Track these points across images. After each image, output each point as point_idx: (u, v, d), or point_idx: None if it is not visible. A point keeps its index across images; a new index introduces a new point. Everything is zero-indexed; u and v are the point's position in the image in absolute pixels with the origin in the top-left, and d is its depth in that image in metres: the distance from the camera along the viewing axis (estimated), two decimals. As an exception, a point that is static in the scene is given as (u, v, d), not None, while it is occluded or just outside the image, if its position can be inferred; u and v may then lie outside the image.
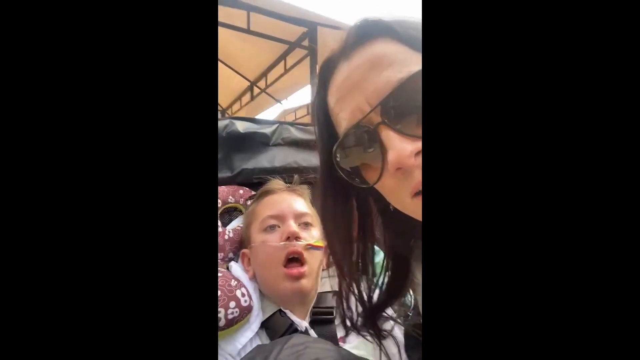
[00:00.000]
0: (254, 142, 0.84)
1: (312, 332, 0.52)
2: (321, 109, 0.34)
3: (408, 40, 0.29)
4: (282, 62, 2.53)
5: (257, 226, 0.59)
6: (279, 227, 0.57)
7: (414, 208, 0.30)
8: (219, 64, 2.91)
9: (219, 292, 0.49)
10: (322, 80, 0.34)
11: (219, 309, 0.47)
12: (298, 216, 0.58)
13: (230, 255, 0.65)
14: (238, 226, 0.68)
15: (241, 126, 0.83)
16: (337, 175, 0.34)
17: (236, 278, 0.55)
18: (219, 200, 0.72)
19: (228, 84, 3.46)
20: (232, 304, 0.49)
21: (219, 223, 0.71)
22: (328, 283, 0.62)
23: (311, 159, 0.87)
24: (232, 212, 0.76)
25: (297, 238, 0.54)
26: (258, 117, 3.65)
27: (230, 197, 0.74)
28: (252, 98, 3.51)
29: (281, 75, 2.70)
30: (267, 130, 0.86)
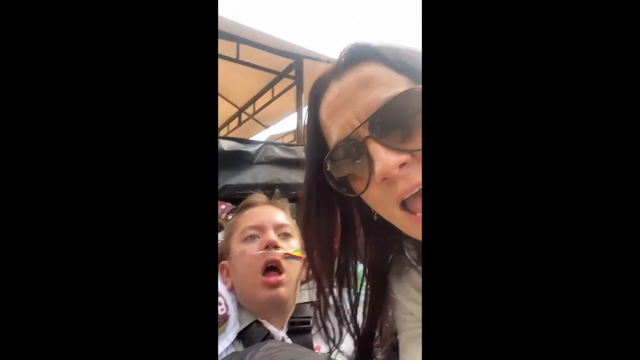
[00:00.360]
0: (238, 160, 0.87)
1: (288, 341, 0.53)
2: (312, 123, 0.37)
3: (394, 64, 0.32)
4: (270, 91, 2.66)
5: (237, 237, 0.61)
6: (259, 237, 0.59)
7: (400, 217, 0.31)
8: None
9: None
10: (314, 98, 0.36)
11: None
12: (277, 227, 0.61)
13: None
14: (219, 240, 0.69)
15: (226, 145, 0.87)
16: (323, 187, 0.35)
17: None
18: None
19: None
20: (209, 311, 0.49)
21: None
22: (307, 295, 0.63)
23: (293, 177, 0.91)
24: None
25: (276, 247, 0.56)
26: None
27: (213, 211, 0.76)
28: (240, 124, 3.59)
29: (268, 103, 2.81)
30: (252, 149, 0.90)
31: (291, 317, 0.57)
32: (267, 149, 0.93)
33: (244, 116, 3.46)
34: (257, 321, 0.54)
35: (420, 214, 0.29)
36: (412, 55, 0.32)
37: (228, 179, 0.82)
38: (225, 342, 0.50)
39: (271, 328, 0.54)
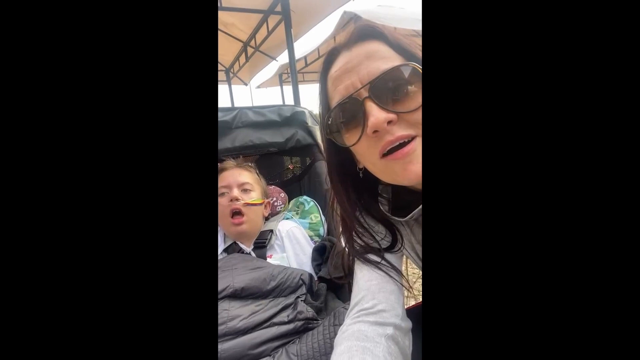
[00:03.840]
0: (220, 128, 1.11)
1: (252, 253, 0.87)
2: (322, 86, 0.44)
3: (394, 45, 0.40)
4: (265, 25, 2.60)
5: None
6: (227, 193, 0.89)
7: (380, 167, 0.39)
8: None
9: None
10: (327, 63, 0.43)
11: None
12: (240, 185, 0.90)
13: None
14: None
15: (207, 118, 1.10)
16: (332, 143, 0.43)
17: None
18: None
19: (226, 45, 3.54)
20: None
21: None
22: (269, 225, 0.95)
23: (263, 137, 1.14)
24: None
25: (237, 200, 0.86)
26: (257, 76, 3.75)
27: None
28: (247, 59, 3.61)
29: (266, 37, 2.78)
30: (229, 116, 1.13)
31: (256, 239, 0.91)
32: (242, 114, 1.14)
33: (250, 51, 3.46)
34: (234, 242, 0.89)
35: (395, 154, 0.36)
36: (407, 40, 0.40)
37: (213, 146, 1.09)
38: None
39: (242, 246, 0.88)
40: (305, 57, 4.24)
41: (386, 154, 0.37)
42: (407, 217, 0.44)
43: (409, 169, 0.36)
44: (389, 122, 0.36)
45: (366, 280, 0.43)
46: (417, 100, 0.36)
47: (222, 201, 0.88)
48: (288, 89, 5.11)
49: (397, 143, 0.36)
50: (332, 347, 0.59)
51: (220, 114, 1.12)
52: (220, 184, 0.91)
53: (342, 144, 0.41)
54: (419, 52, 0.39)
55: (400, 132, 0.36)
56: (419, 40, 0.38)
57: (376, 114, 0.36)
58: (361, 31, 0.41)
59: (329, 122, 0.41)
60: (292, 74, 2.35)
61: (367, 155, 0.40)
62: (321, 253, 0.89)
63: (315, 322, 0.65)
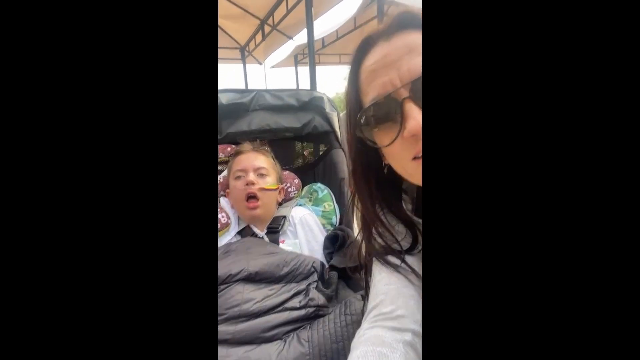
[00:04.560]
0: (236, 110, 1.10)
1: (265, 237, 0.89)
2: (353, 79, 0.40)
3: None
4: (284, 3, 2.52)
5: (231, 175, 0.92)
6: (244, 176, 0.89)
7: (411, 170, 0.37)
8: (229, 5, 2.93)
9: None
10: (359, 54, 0.39)
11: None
12: (256, 169, 0.89)
13: (222, 193, 1.00)
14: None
15: (224, 98, 1.09)
16: (359, 139, 0.40)
17: (220, 207, 0.90)
18: (213, 156, 1.05)
19: (242, 22, 3.46)
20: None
21: (214, 172, 1.05)
22: (282, 211, 0.96)
23: (280, 121, 1.12)
24: (223, 164, 1.09)
25: (253, 184, 0.87)
26: (272, 55, 3.68)
27: (221, 153, 1.06)
28: (264, 37, 3.53)
29: (285, 15, 2.70)
30: (246, 99, 1.11)
31: (269, 224, 0.92)
32: (259, 96, 1.13)
33: (266, 29, 3.37)
34: (248, 226, 0.90)
35: None
36: None
37: (229, 127, 1.08)
38: (229, 236, 0.88)
39: (256, 230, 0.89)
40: (322, 39, 4.12)
41: (419, 157, 0.35)
42: None
43: None
44: None
45: (385, 284, 0.43)
46: None
47: (238, 184, 0.88)
48: (302, 70, 5.01)
49: None
50: (342, 336, 0.60)
51: (237, 96, 1.11)
52: (236, 167, 0.91)
53: (373, 144, 0.39)
54: None
55: None
56: None
57: (417, 117, 0.33)
58: (401, 19, 0.37)
59: (362, 120, 0.38)
60: (310, 56, 2.29)
61: (399, 158, 0.38)
62: (333, 242, 0.89)
63: (325, 309, 0.66)
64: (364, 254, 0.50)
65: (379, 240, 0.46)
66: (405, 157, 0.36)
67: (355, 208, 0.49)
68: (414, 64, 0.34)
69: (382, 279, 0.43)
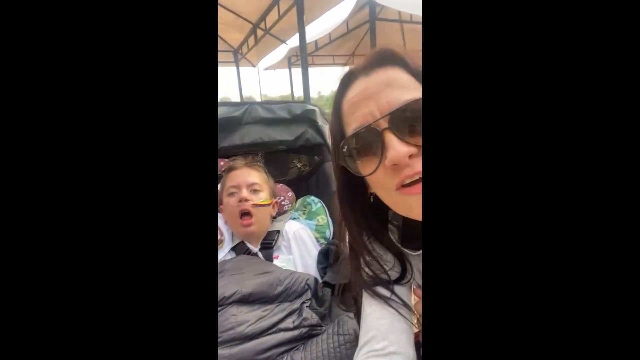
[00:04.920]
0: (229, 124, 1.10)
1: (259, 254, 0.89)
2: (336, 110, 0.42)
3: (415, 73, 0.38)
4: (276, 8, 2.52)
5: (225, 192, 0.92)
6: (237, 193, 0.89)
7: (395, 199, 0.38)
8: (221, 10, 2.92)
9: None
10: (342, 86, 0.42)
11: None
12: (249, 185, 0.90)
13: (215, 208, 1.01)
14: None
15: (218, 112, 1.09)
16: (341, 167, 0.41)
17: (214, 224, 0.91)
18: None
19: (235, 26, 3.45)
20: (209, 239, 0.86)
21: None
22: (276, 225, 0.97)
23: (272, 134, 1.13)
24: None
25: (246, 200, 0.87)
26: (265, 58, 3.67)
27: (214, 168, 1.07)
28: (256, 41, 3.52)
29: (277, 20, 2.70)
30: (239, 112, 1.11)
31: (263, 240, 0.93)
32: (252, 109, 1.13)
33: (259, 33, 3.37)
34: (242, 242, 0.91)
35: (413, 188, 0.35)
36: None
37: (222, 142, 1.09)
38: (222, 252, 0.88)
39: (250, 246, 0.90)
40: (315, 41, 4.13)
41: (403, 187, 0.37)
42: (420, 252, 0.44)
43: None
44: (410, 156, 0.35)
45: (376, 318, 0.43)
46: None
47: (231, 201, 0.89)
48: (296, 72, 5.01)
49: (416, 177, 0.36)
50: (335, 356, 0.61)
51: (229, 109, 1.11)
52: (229, 183, 0.92)
53: (357, 173, 0.40)
54: None
55: (420, 166, 0.35)
56: None
57: (397, 147, 0.35)
58: (380, 56, 0.40)
59: (344, 149, 0.40)
60: (302, 60, 2.29)
61: (383, 186, 0.39)
62: (327, 256, 0.90)
63: (319, 328, 0.67)
64: (355, 289, 0.49)
65: (367, 270, 0.46)
66: (388, 186, 0.38)
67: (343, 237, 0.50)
68: (393, 97, 0.36)
69: (373, 312, 0.44)
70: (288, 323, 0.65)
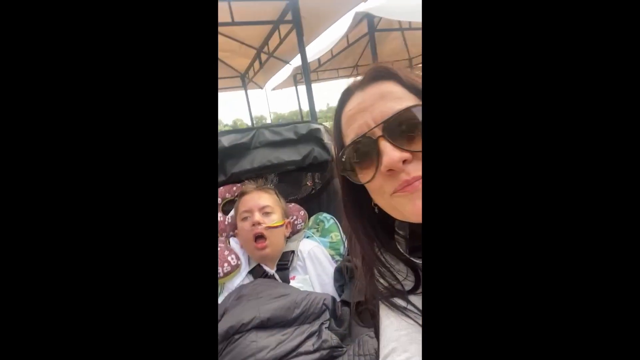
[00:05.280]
0: (238, 150, 1.14)
1: (276, 275, 0.90)
2: (337, 124, 0.45)
3: (407, 85, 0.41)
4: (277, 33, 2.62)
5: (238, 217, 0.95)
6: (250, 217, 0.91)
7: (390, 203, 0.39)
8: (225, 39, 3.08)
9: (219, 257, 0.88)
10: (341, 102, 0.45)
11: (219, 267, 0.87)
12: (261, 208, 0.92)
13: (231, 233, 1.03)
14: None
15: (226, 141, 1.14)
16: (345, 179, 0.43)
17: (230, 249, 0.93)
18: (219, 198, 1.08)
19: (240, 53, 3.60)
20: (225, 264, 0.88)
21: (221, 212, 1.08)
22: (290, 245, 0.98)
23: (281, 156, 1.16)
24: (232, 204, 1.12)
25: (259, 224, 0.89)
26: (272, 79, 3.80)
27: (227, 193, 1.10)
28: (261, 65, 3.66)
29: (280, 44, 2.80)
30: (247, 138, 1.15)
31: (279, 261, 0.94)
32: (259, 134, 1.17)
33: (263, 57, 3.50)
34: (258, 264, 0.92)
35: (404, 189, 0.36)
36: (420, 80, 0.41)
37: (233, 168, 1.12)
38: (240, 278, 0.90)
39: (266, 268, 0.91)
40: (319, 59, 4.23)
41: (397, 191, 0.38)
42: None
43: (417, 204, 0.36)
44: (404, 161, 0.37)
45: (395, 330, 0.43)
46: None
47: (245, 225, 0.91)
48: (302, 89, 5.13)
49: (413, 182, 0.37)
50: (357, 379, 0.60)
51: (237, 136, 1.15)
52: (242, 208, 0.94)
53: (357, 181, 0.42)
54: None
55: (415, 171, 0.36)
56: None
57: (390, 152, 0.36)
58: (375, 72, 0.42)
59: (343, 159, 0.42)
60: (305, 80, 2.35)
61: (380, 193, 0.40)
62: (343, 273, 0.90)
63: (340, 349, 0.66)
64: (368, 296, 0.50)
65: (382, 281, 0.46)
66: (386, 192, 0.39)
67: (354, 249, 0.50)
68: (386, 107, 0.38)
69: (391, 324, 0.43)
70: (308, 346, 0.65)
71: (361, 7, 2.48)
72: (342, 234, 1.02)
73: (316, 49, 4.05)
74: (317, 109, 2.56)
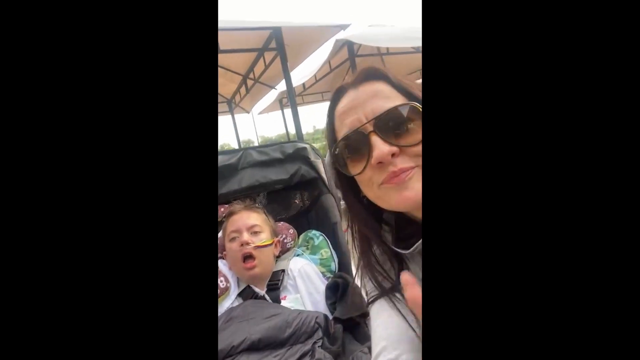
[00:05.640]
0: (226, 171, 1.15)
1: (266, 296, 0.88)
2: (329, 121, 0.48)
3: (396, 86, 0.44)
4: (262, 59, 2.72)
5: (226, 237, 0.93)
6: (238, 237, 0.91)
7: (378, 193, 0.42)
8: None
9: (208, 282, 0.86)
10: (334, 100, 0.47)
11: (208, 291, 0.84)
12: (249, 228, 0.92)
13: (219, 255, 1.01)
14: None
15: (213, 162, 1.14)
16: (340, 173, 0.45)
17: (219, 271, 0.91)
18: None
19: (226, 79, 3.68)
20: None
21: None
22: (280, 264, 0.96)
23: (269, 175, 1.17)
24: (219, 225, 1.11)
25: (248, 244, 0.88)
26: (258, 103, 3.87)
27: (215, 215, 1.09)
28: (247, 90, 3.74)
29: (265, 70, 2.90)
30: (234, 159, 1.16)
31: (269, 281, 0.92)
32: (246, 155, 1.18)
33: (249, 83, 3.59)
34: (248, 286, 0.90)
35: (391, 180, 0.39)
36: (408, 81, 0.45)
37: (221, 189, 1.12)
38: (229, 300, 0.87)
39: (256, 289, 0.89)
40: (303, 83, 4.38)
41: (385, 183, 0.40)
42: (410, 250, 0.45)
43: (403, 194, 0.39)
44: (393, 155, 0.39)
45: (384, 328, 0.44)
46: (416, 135, 0.40)
47: (233, 246, 0.90)
48: (288, 112, 5.24)
49: (400, 174, 0.40)
50: (353, 397, 0.58)
51: (225, 157, 1.16)
52: (230, 228, 0.93)
53: (347, 173, 0.44)
54: (418, 93, 0.43)
55: (402, 164, 0.39)
56: (419, 81, 0.43)
57: (381, 146, 0.39)
58: (367, 73, 0.46)
59: (336, 153, 0.44)
60: (291, 103, 2.42)
61: (369, 184, 0.43)
62: (334, 291, 0.89)
63: (334, 368, 0.65)
64: (366, 298, 0.51)
65: (377, 278, 0.48)
66: (374, 183, 0.42)
67: (354, 237, 0.52)
68: (378, 105, 0.42)
69: (381, 324, 0.45)
70: (301, 367, 0.63)
71: (341, 35, 2.63)
72: (331, 250, 1.02)
73: (300, 74, 4.20)
74: (303, 131, 2.62)
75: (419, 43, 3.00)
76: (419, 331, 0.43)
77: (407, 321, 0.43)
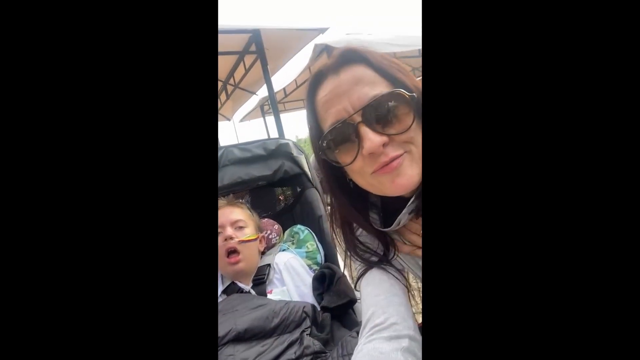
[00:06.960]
0: (207, 169, 1.13)
1: (252, 291, 0.86)
2: (310, 109, 0.46)
3: (378, 69, 0.42)
4: (242, 64, 2.72)
5: (209, 234, 0.91)
6: (221, 232, 0.89)
7: (371, 182, 0.42)
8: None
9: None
10: (313, 86, 0.45)
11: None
12: (233, 223, 0.90)
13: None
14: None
15: (194, 160, 1.12)
16: (325, 161, 0.45)
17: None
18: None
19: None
20: (197, 284, 0.83)
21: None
22: (266, 260, 0.95)
23: (251, 172, 1.16)
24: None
25: (231, 238, 0.86)
26: (239, 110, 3.84)
27: (197, 213, 1.06)
28: (228, 96, 3.71)
29: (245, 74, 2.90)
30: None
31: (255, 276, 0.90)
32: (227, 152, 1.16)
33: (229, 89, 3.56)
34: (232, 282, 0.88)
35: (384, 169, 0.39)
36: (388, 62, 0.43)
37: (202, 187, 1.10)
38: (214, 298, 0.85)
39: (241, 285, 0.87)
40: (284, 89, 4.40)
41: (376, 170, 0.40)
42: (394, 226, 0.46)
43: (396, 181, 0.40)
44: (383, 145, 0.39)
45: (374, 296, 0.44)
46: (404, 122, 0.40)
47: (217, 241, 0.88)
48: (270, 119, 5.23)
49: (391, 163, 0.40)
50: (343, 380, 0.58)
51: (206, 155, 1.14)
52: (213, 224, 0.91)
53: (337, 164, 0.44)
54: (400, 75, 0.42)
55: (392, 152, 0.40)
56: (399, 62, 0.44)
57: (372, 137, 0.39)
58: (346, 55, 0.44)
59: (324, 144, 0.43)
60: (272, 107, 2.42)
61: (361, 173, 0.43)
62: (321, 281, 0.88)
63: (323, 355, 0.64)
64: (353, 285, 0.52)
65: (361, 254, 0.49)
66: (366, 172, 0.41)
67: (334, 225, 0.52)
68: (363, 93, 0.40)
69: (370, 293, 0.45)
70: (290, 354, 0.62)
71: (320, 39, 2.68)
72: (317, 242, 1.02)
73: (281, 79, 4.23)
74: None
75: (399, 49, 3.09)
76: (406, 297, 0.45)
77: (394, 288, 0.45)
